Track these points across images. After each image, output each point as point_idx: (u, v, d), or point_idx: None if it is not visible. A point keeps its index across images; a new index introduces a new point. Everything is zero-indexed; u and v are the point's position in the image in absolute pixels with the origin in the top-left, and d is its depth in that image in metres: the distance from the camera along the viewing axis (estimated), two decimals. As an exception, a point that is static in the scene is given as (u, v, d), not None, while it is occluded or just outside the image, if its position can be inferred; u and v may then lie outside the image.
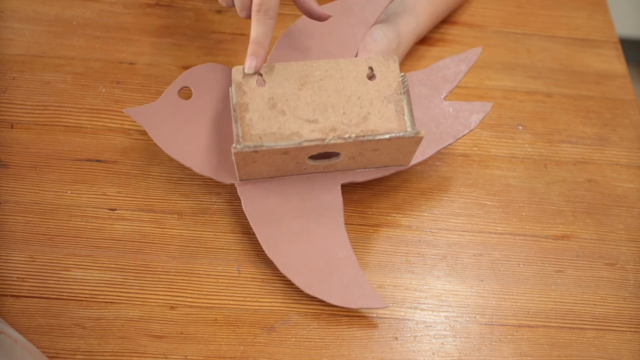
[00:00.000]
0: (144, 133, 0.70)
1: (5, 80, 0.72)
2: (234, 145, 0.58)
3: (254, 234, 0.64)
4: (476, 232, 0.68)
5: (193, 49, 0.76)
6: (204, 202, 0.67)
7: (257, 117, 0.60)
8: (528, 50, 0.80)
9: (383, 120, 0.60)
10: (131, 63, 0.74)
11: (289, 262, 0.61)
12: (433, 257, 0.66)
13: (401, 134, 0.59)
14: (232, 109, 0.60)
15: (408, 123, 0.60)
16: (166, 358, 0.59)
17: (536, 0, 0.84)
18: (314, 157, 0.62)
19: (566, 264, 0.67)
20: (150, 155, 0.69)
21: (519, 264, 0.66)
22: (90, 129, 0.70)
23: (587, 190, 0.71)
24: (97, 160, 0.68)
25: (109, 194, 0.67)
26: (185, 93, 0.67)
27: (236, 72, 0.61)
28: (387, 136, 0.59)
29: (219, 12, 0.79)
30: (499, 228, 0.68)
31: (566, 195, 0.70)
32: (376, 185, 0.69)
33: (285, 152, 0.59)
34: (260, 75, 0.61)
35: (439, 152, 0.71)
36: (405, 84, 0.61)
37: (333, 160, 0.62)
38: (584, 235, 0.69)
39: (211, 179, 0.65)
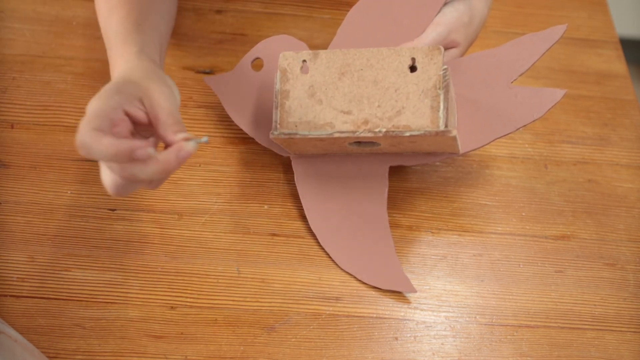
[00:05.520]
0: (144, 133, 0.70)
1: (5, 80, 0.72)
2: (271, 131, 0.61)
3: (253, 233, 0.65)
4: (476, 232, 0.68)
5: (193, 49, 0.76)
6: (204, 202, 0.67)
7: (296, 105, 0.61)
8: (528, 50, 0.80)
9: (416, 115, 0.59)
10: (131, 63, 0.74)
11: (329, 238, 0.65)
12: (433, 257, 0.66)
13: (431, 131, 0.58)
14: (274, 95, 0.62)
15: (441, 120, 0.58)
16: (166, 358, 0.59)
17: (536, 0, 0.84)
18: (358, 143, 0.63)
19: (566, 264, 0.67)
20: (150, 155, 0.69)
21: (519, 264, 0.66)
22: (90, 129, 0.70)
23: (587, 190, 0.71)
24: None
25: (108, 194, 0.66)
26: (258, 64, 0.69)
27: (282, 59, 0.62)
28: (416, 133, 0.58)
29: (219, 12, 0.79)
30: (499, 228, 0.68)
31: (566, 195, 0.70)
32: (376, 185, 0.69)
33: (320, 139, 0.61)
34: (305, 61, 0.61)
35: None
36: (446, 78, 0.59)
37: (376, 147, 0.63)
38: (584, 235, 0.69)
39: (270, 149, 0.68)
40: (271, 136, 0.61)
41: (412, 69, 0.59)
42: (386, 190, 0.65)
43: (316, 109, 0.61)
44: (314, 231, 0.66)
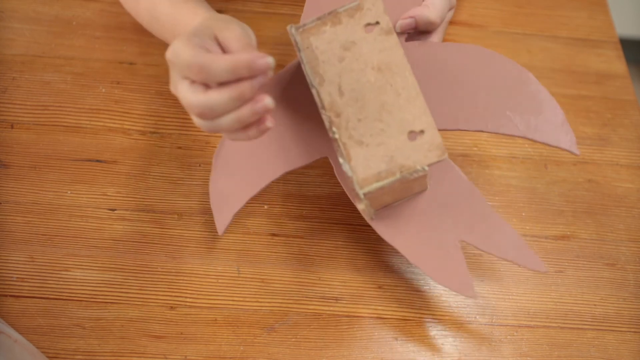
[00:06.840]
0: (143, 133, 0.70)
1: (5, 80, 0.72)
2: (292, 25, 0.57)
3: (253, 233, 0.65)
4: (476, 232, 0.68)
5: (193, 49, 0.76)
6: (204, 202, 0.67)
7: (326, 38, 0.56)
8: (528, 50, 0.80)
9: (364, 164, 0.55)
10: (131, 63, 0.74)
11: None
12: (433, 257, 0.66)
13: (352, 182, 0.55)
14: (330, 11, 0.57)
15: (369, 189, 0.54)
16: (166, 358, 0.59)
17: (536, 0, 0.84)
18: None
19: (566, 264, 0.67)
20: (150, 155, 0.69)
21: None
22: (90, 129, 0.70)
23: (587, 190, 0.71)
24: (97, 160, 0.68)
25: (108, 194, 0.67)
26: None
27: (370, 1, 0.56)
28: (347, 170, 0.55)
29: (218, 12, 0.79)
30: (499, 228, 0.68)
31: (566, 196, 0.70)
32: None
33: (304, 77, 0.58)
34: (379, 23, 0.56)
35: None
36: (414, 176, 0.55)
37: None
38: (584, 235, 0.69)
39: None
40: (289, 28, 0.56)
41: (411, 135, 0.55)
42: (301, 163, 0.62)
43: (331, 59, 0.56)
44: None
